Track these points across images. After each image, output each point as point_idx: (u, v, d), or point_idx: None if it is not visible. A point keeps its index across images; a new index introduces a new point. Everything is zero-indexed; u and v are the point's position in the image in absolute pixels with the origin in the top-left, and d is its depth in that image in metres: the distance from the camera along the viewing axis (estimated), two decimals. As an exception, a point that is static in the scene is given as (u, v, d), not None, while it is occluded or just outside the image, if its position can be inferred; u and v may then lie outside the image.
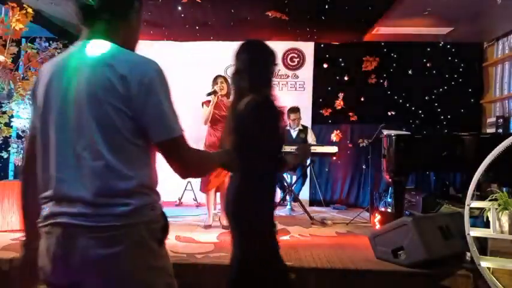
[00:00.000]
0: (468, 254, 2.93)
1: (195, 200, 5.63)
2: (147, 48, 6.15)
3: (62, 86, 1.10)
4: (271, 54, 2.01)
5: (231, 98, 2.05)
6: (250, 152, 1.78)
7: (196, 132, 5.49)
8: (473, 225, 2.85)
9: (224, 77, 4.24)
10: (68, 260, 1.03)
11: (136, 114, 1.07)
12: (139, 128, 1.08)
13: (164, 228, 1.15)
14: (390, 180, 4.12)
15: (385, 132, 4.17)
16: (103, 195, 1.04)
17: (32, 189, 1.15)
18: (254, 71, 1.91)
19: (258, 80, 1.90)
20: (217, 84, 4.12)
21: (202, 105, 4.17)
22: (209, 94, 4.07)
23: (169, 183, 6.69)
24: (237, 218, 1.87)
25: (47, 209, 1.09)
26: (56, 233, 1.05)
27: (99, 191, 1.04)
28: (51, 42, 5.52)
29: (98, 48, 1.11)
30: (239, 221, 1.86)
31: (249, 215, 1.81)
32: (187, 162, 1.18)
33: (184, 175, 1.22)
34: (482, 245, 2.85)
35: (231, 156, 1.54)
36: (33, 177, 1.14)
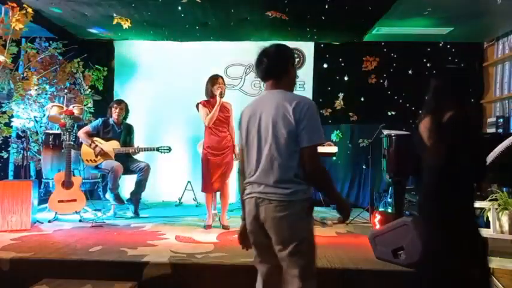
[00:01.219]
0: (468, 254, 2.93)
1: (195, 200, 5.63)
2: (147, 48, 6.16)
3: (256, 118, 1.92)
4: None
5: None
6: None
7: (196, 131, 5.52)
8: (473, 225, 2.84)
9: (222, 77, 4.17)
10: (258, 216, 1.87)
11: (297, 131, 1.82)
12: (297, 141, 1.83)
13: (311, 206, 1.90)
14: (390, 180, 4.13)
15: (385, 132, 4.17)
16: (276, 182, 1.83)
17: (243, 178, 1.99)
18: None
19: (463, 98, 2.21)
20: (219, 84, 4.04)
21: (198, 106, 4.14)
22: (216, 96, 4.00)
23: (169, 183, 6.72)
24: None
25: (248, 188, 1.94)
26: (251, 202, 1.90)
27: (274, 179, 1.83)
28: (51, 42, 5.53)
29: (274, 94, 1.94)
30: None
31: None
32: (314, 168, 1.85)
33: (309, 178, 1.85)
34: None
35: (346, 205, 2.05)
36: (243, 172, 1.99)
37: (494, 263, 2.75)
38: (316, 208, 5.56)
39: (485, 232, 2.81)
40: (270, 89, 1.98)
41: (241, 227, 2.04)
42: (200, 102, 4.14)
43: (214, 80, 4.09)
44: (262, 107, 1.93)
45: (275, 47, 1.98)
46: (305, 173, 1.83)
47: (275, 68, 1.96)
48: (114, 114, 4.71)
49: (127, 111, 4.84)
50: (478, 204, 2.83)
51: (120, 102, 4.81)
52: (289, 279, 1.87)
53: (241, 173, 2.03)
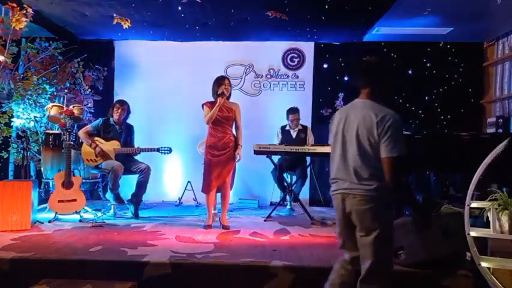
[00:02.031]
0: (468, 254, 2.93)
1: (195, 200, 5.63)
2: (147, 48, 6.16)
3: (345, 122, 2.22)
4: None
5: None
6: None
7: (196, 131, 5.51)
8: (473, 225, 2.85)
9: (228, 79, 4.22)
10: (344, 209, 2.19)
11: (379, 141, 2.09)
12: (378, 148, 2.09)
13: (390, 201, 2.16)
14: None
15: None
16: (360, 179, 2.12)
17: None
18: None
19: None
20: (224, 85, 4.08)
21: (203, 106, 4.15)
22: (218, 96, 4.04)
23: (169, 183, 6.73)
24: None
25: (334, 185, 2.26)
26: (338, 198, 2.21)
27: (357, 177, 2.13)
28: (51, 42, 5.53)
29: (365, 103, 2.20)
30: None
31: None
32: (390, 177, 2.09)
33: (387, 183, 2.10)
34: (482, 245, 2.85)
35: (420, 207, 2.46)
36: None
37: (494, 263, 2.75)
38: (316, 208, 5.63)
39: (485, 232, 2.81)
40: (364, 98, 2.24)
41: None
42: (204, 103, 4.15)
43: (219, 81, 4.12)
44: (352, 113, 2.21)
45: (375, 61, 2.28)
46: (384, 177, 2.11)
47: (369, 80, 2.22)
48: (116, 114, 4.70)
49: (128, 112, 4.84)
50: (478, 204, 2.83)
51: (123, 103, 4.79)
52: (365, 263, 2.14)
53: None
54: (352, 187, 2.13)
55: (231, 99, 4.23)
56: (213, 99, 4.13)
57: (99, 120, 4.76)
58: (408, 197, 2.32)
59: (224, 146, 4.07)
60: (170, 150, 4.67)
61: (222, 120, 4.08)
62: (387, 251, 2.18)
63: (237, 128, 4.18)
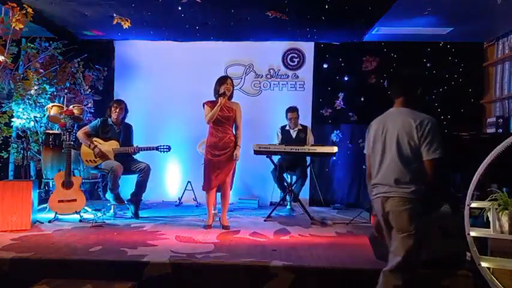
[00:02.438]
0: (468, 254, 2.93)
1: (195, 200, 5.63)
2: (147, 48, 6.16)
3: (383, 129, 2.37)
4: None
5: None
6: None
7: (196, 131, 5.51)
8: (473, 225, 2.85)
9: (230, 78, 4.22)
10: (384, 211, 2.33)
11: (419, 145, 2.24)
12: (418, 153, 2.24)
13: (427, 204, 2.28)
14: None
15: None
16: (398, 183, 2.25)
17: (370, 179, 2.46)
18: None
19: None
20: (226, 85, 4.07)
21: (204, 105, 4.15)
22: (219, 96, 4.03)
23: (169, 183, 6.72)
24: None
25: (374, 190, 2.40)
26: (378, 201, 2.36)
27: (396, 181, 2.26)
28: (51, 42, 5.53)
29: (402, 111, 2.37)
30: None
31: None
32: (430, 179, 2.24)
33: (427, 184, 2.24)
34: (482, 245, 2.84)
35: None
36: (370, 175, 2.46)
37: (494, 263, 2.75)
38: (316, 208, 5.63)
39: (485, 232, 2.81)
40: (399, 106, 2.41)
41: (376, 220, 2.54)
42: (205, 102, 4.15)
43: (222, 80, 4.13)
44: (389, 121, 2.37)
45: (409, 72, 2.47)
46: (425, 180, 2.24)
47: (405, 90, 2.40)
48: (114, 114, 4.70)
49: (126, 111, 4.84)
50: (478, 204, 2.83)
51: (120, 102, 4.80)
52: (395, 257, 2.27)
53: (369, 176, 2.49)
54: (391, 190, 2.28)
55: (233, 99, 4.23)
56: (214, 99, 4.13)
57: (97, 121, 4.76)
58: (446, 192, 2.51)
59: (224, 145, 4.07)
60: (169, 148, 4.67)
61: (223, 120, 4.08)
62: (418, 250, 2.27)
63: (236, 128, 4.18)
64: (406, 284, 2.24)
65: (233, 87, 4.19)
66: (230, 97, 4.16)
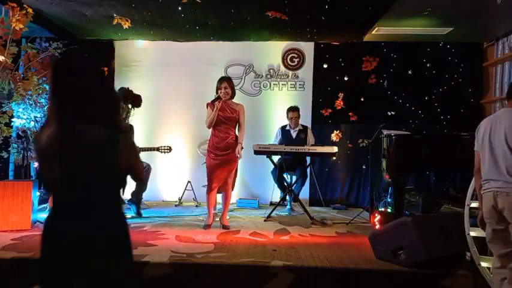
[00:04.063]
0: (468, 254, 2.93)
1: (195, 200, 5.63)
2: (147, 48, 6.16)
3: (493, 128, 2.46)
4: None
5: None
6: None
7: (196, 131, 5.52)
8: (473, 225, 2.85)
9: (228, 80, 4.18)
10: (496, 206, 2.39)
11: None
12: None
13: None
14: (390, 180, 4.13)
15: (385, 132, 4.17)
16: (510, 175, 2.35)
17: (479, 176, 2.56)
18: None
19: None
20: (221, 89, 4.06)
21: (207, 106, 4.13)
22: (213, 101, 4.02)
23: (169, 183, 6.73)
24: None
25: (486, 185, 2.45)
26: (489, 196, 2.42)
27: (510, 175, 2.33)
28: (51, 42, 5.52)
29: (510, 111, 2.45)
30: None
31: None
32: None
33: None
34: (482, 245, 2.85)
35: None
36: (479, 171, 2.56)
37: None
38: (316, 208, 5.63)
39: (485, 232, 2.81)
40: (508, 107, 2.53)
41: (480, 215, 2.57)
42: (208, 103, 4.14)
43: (218, 83, 4.13)
44: (498, 119, 2.48)
45: None
46: None
47: None
48: (114, 114, 4.70)
49: (126, 111, 4.84)
50: (478, 204, 2.83)
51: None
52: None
53: (477, 171, 2.57)
54: (504, 186, 2.35)
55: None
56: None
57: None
58: None
59: (226, 146, 4.05)
60: (170, 150, 4.68)
61: (225, 120, 4.06)
62: None
63: (239, 127, 4.17)
64: None
65: (233, 89, 4.16)
66: (232, 96, 4.15)
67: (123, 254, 1.48)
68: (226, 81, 4.13)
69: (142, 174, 1.92)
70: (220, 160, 4.04)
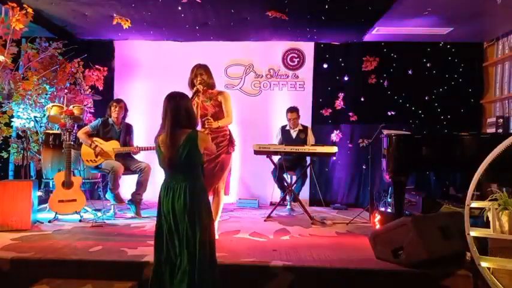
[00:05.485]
0: (468, 254, 2.93)
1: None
2: (147, 48, 6.16)
3: None
4: None
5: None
6: None
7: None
8: (473, 225, 2.85)
9: (203, 66, 3.63)
10: None
11: None
12: None
13: None
14: (390, 180, 4.12)
15: (385, 132, 4.17)
16: None
17: None
18: None
19: None
20: (196, 79, 3.48)
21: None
22: (192, 97, 3.37)
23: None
24: None
25: None
26: None
27: None
28: (51, 42, 5.53)
29: None
30: None
31: None
32: None
33: None
34: (482, 245, 2.84)
35: None
36: None
37: (494, 263, 2.75)
38: (316, 208, 5.63)
39: (485, 232, 2.80)
40: None
41: None
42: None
43: (192, 72, 3.61)
44: None
45: None
46: None
47: None
48: (114, 113, 4.72)
49: (126, 110, 4.85)
50: (478, 204, 2.83)
51: (119, 101, 4.82)
52: None
53: None
54: None
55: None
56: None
57: (98, 121, 4.77)
58: None
59: (216, 146, 3.40)
60: None
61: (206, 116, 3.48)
62: None
63: (226, 115, 3.57)
64: None
65: (209, 75, 3.56)
66: (211, 86, 3.57)
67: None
68: (197, 68, 3.56)
69: (215, 151, 3.13)
70: (209, 159, 3.36)
